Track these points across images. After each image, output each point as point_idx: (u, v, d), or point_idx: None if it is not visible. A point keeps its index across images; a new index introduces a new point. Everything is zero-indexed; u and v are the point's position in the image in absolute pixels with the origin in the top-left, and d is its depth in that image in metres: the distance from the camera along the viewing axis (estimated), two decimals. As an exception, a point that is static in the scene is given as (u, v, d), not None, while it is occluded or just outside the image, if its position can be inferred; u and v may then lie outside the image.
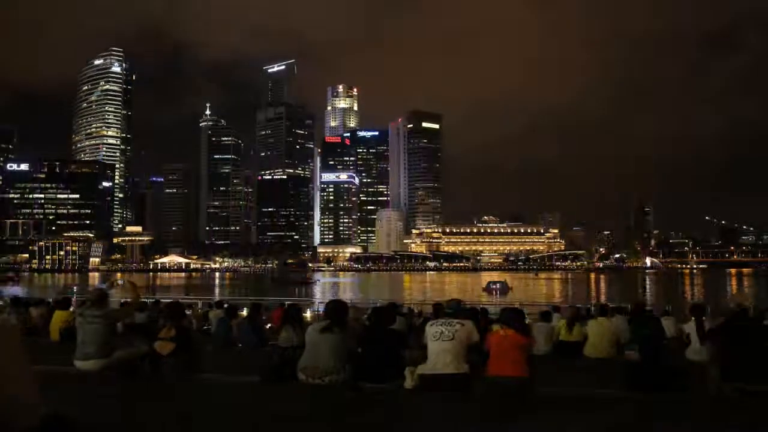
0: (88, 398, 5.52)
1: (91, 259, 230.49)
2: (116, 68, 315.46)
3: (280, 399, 6.01)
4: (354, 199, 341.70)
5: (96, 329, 6.96)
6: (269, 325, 14.18)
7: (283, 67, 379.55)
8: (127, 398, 5.95)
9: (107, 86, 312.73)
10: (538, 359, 7.75)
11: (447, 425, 4.84)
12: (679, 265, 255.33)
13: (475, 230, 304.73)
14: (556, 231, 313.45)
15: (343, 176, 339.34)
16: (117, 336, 7.65)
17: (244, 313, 15.91)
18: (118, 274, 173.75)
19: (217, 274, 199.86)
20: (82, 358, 6.89)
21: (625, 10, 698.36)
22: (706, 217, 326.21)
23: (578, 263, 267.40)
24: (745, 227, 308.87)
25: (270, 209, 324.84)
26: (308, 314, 22.71)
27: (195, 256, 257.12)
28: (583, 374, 7.76)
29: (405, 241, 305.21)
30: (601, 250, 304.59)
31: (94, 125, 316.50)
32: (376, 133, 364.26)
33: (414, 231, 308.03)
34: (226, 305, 15.58)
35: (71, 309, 12.32)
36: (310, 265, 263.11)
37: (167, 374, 6.93)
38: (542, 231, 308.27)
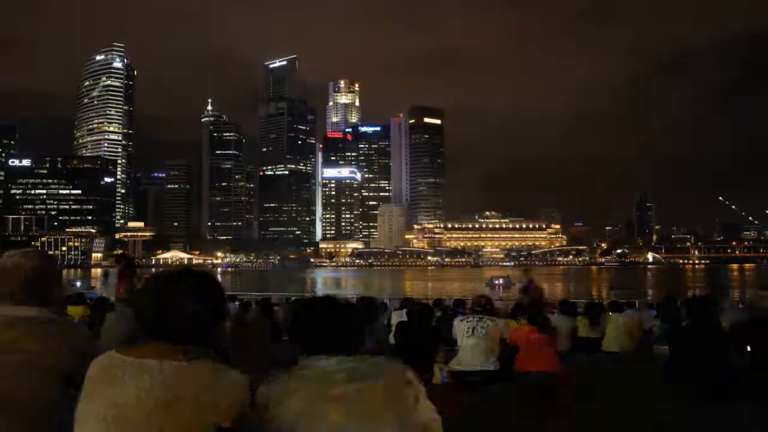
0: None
1: (93, 255, 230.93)
2: (118, 64, 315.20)
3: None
4: (356, 194, 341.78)
5: (126, 322, 6.99)
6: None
7: (284, 62, 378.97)
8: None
9: (109, 82, 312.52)
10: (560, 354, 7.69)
11: (480, 421, 4.73)
12: (681, 261, 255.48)
13: (476, 226, 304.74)
14: (557, 227, 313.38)
15: (345, 172, 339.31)
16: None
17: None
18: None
19: (219, 269, 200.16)
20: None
21: (624, 12, 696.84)
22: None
23: (580, 259, 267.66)
24: (750, 218, 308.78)
25: (272, 205, 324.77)
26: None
27: (197, 252, 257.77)
28: (608, 368, 7.73)
29: (407, 236, 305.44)
30: (603, 245, 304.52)
31: (95, 121, 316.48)
32: (378, 128, 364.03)
33: (416, 226, 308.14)
34: (241, 300, 15.52)
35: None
36: (312, 260, 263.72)
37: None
38: (544, 226, 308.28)
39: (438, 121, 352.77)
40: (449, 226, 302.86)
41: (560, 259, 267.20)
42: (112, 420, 1.68)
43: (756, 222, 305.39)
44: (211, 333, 1.90)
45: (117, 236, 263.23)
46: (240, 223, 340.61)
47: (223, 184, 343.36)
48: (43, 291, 2.18)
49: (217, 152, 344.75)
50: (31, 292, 2.14)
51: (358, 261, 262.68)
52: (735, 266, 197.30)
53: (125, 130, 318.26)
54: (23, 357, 2.01)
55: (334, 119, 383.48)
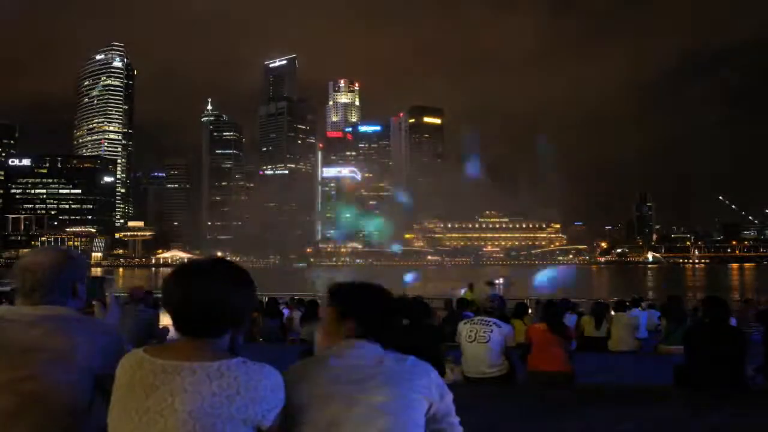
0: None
1: (93, 254, 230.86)
2: (117, 63, 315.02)
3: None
4: (356, 194, 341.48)
5: (136, 322, 7.07)
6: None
7: (284, 62, 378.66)
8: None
9: (108, 81, 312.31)
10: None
11: (491, 419, 4.68)
12: (681, 260, 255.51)
13: (476, 225, 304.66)
14: (557, 226, 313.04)
15: (345, 171, 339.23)
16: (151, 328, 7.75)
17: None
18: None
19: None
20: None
21: (623, 12, 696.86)
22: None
23: (580, 258, 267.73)
24: (750, 218, 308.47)
25: (272, 204, 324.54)
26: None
27: (197, 251, 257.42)
28: (615, 367, 7.75)
29: (407, 236, 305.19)
30: (602, 244, 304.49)
31: (95, 120, 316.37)
32: (378, 127, 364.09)
33: (415, 226, 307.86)
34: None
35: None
36: (312, 260, 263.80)
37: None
38: (544, 226, 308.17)
39: (438, 121, 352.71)
40: (449, 225, 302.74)
41: (560, 258, 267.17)
42: (147, 427, 1.64)
43: (756, 222, 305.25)
44: (243, 324, 1.85)
45: (117, 236, 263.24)
46: (240, 223, 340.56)
47: (223, 183, 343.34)
48: (66, 289, 2.15)
49: (217, 152, 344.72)
50: (53, 290, 2.11)
51: (358, 260, 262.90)
52: (735, 266, 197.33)
53: (125, 130, 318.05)
54: (49, 355, 1.98)
55: (334, 119, 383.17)
